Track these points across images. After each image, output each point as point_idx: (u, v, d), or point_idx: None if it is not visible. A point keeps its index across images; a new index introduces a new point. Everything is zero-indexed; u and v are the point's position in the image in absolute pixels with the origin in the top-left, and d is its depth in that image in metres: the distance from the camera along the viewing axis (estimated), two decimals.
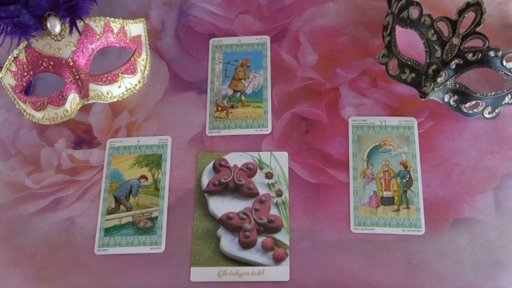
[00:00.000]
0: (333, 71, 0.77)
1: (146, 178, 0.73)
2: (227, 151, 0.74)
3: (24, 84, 0.72)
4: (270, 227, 0.69)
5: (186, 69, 0.79)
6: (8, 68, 0.71)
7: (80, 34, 0.71)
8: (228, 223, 0.69)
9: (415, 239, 0.67)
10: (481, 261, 0.66)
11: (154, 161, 0.74)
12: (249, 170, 0.72)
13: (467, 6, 0.65)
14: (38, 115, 0.74)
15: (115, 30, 0.73)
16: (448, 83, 0.68)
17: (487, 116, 0.71)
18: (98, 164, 0.74)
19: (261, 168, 0.72)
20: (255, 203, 0.70)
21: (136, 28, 0.75)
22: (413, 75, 0.70)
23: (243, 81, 0.78)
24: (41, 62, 0.71)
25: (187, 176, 0.73)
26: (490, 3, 0.79)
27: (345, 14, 0.80)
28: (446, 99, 0.70)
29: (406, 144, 0.72)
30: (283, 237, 0.69)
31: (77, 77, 0.72)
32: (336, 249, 0.68)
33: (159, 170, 0.73)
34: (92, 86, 0.74)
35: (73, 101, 0.73)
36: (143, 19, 0.77)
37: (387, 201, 0.69)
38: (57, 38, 0.71)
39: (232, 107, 0.76)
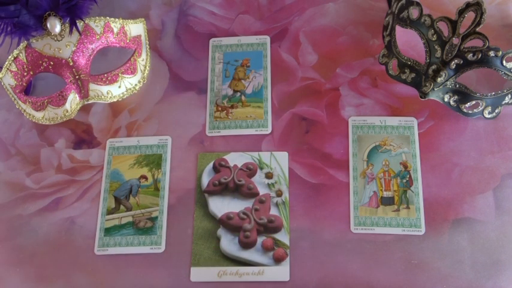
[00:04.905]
0: (333, 71, 0.77)
1: (146, 178, 0.73)
2: (227, 151, 0.74)
3: (24, 84, 0.72)
4: (270, 227, 0.69)
5: (186, 69, 0.79)
6: (8, 68, 0.71)
7: (80, 34, 0.71)
8: (228, 223, 0.69)
9: (415, 239, 0.67)
10: (481, 261, 0.66)
11: (154, 161, 0.74)
12: (249, 170, 0.72)
13: (467, 6, 0.65)
14: (38, 115, 0.74)
15: (115, 30, 0.73)
16: (448, 83, 0.68)
17: (487, 116, 0.71)
18: (98, 164, 0.74)
19: (261, 168, 0.72)
20: (255, 203, 0.70)
21: (136, 28, 0.75)
22: (413, 75, 0.70)
23: (243, 81, 0.78)
24: (41, 62, 0.71)
25: (187, 176, 0.73)
26: (490, 3, 0.79)
27: (345, 14, 0.80)
28: (446, 99, 0.70)
29: (406, 144, 0.72)
30: (283, 237, 0.69)
31: (77, 77, 0.72)
32: (336, 249, 0.68)
33: (159, 170, 0.73)
34: (92, 86, 0.74)
35: (73, 101, 0.73)
36: (143, 19, 0.77)
37: (387, 201, 0.69)
38: (57, 38, 0.71)
39: (232, 107, 0.76)
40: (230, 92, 0.77)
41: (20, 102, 0.74)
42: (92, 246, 0.70)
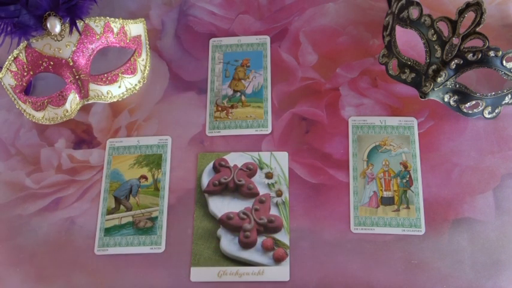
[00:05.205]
0: (333, 71, 0.77)
1: (146, 178, 0.73)
2: (227, 151, 0.74)
3: (24, 84, 0.72)
4: (270, 227, 0.69)
5: (186, 69, 0.79)
6: (8, 68, 0.71)
7: (80, 34, 0.71)
8: (228, 223, 0.69)
9: (415, 239, 0.67)
10: (481, 261, 0.66)
11: (154, 161, 0.74)
12: (249, 170, 0.72)
13: (467, 6, 0.65)
14: (38, 115, 0.74)
15: (115, 30, 0.73)
16: (448, 83, 0.68)
17: (487, 116, 0.71)
18: (98, 164, 0.74)
19: (261, 168, 0.72)
20: (255, 203, 0.70)
21: (136, 28, 0.75)
22: (413, 75, 0.70)
23: (243, 81, 0.78)
24: (41, 62, 0.71)
25: (187, 176, 0.73)
26: (490, 3, 0.79)
27: (345, 14, 0.80)
28: (446, 99, 0.70)
29: (406, 144, 0.72)
30: (283, 237, 0.69)
31: (77, 77, 0.72)
32: (336, 249, 0.68)
33: (159, 170, 0.73)
34: (92, 86, 0.74)
35: (73, 101, 0.73)
36: (143, 19, 0.77)
37: (387, 201, 0.69)
38: (57, 38, 0.71)
39: (232, 107, 0.76)
40: (230, 92, 0.77)
41: (20, 102, 0.74)
42: (92, 246, 0.70)
